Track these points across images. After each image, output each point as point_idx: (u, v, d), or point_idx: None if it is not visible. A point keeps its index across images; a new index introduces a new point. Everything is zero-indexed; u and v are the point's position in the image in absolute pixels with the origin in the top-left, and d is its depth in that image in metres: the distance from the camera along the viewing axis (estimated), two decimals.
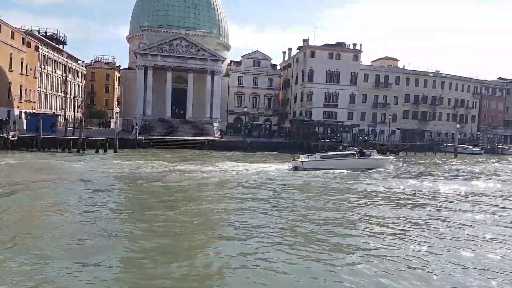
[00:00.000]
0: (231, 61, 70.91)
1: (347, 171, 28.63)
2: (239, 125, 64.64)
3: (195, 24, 63.93)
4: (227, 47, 72.27)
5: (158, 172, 25.74)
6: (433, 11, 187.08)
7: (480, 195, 21.19)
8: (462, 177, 29.75)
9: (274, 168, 30.27)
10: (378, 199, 18.97)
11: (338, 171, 28.47)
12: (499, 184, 26.19)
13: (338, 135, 57.80)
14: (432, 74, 72.08)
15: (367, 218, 14.74)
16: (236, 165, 31.36)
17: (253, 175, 25.60)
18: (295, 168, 29.40)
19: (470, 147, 63.12)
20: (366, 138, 59.92)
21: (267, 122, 67.38)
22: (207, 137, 52.32)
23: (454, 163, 43.70)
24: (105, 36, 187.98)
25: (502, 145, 67.92)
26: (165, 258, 10.05)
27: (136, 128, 47.68)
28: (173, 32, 59.52)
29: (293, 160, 30.69)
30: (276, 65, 72.36)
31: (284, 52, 75.37)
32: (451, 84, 73.33)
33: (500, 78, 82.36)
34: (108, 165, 28.15)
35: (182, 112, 60.71)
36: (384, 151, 39.28)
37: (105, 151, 38.48)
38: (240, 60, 68.17)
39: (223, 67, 63.92)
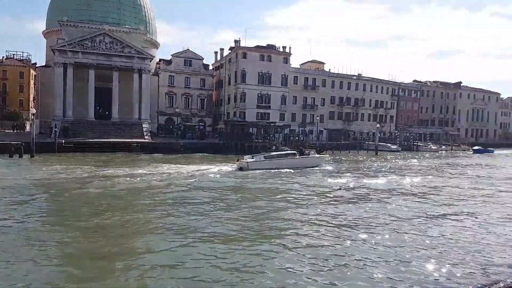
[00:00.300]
0: (160, 60, 68.34)
1: (289, 170, 29.51)
2: (171, 127, 62.50)
3: (120, 19, 60.43)
4: (155, 45, 69.63)
5: (81, 177, 23.62)
6: (353, 19, 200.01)
7: (397, 189, 22.46)
8: (381, 172, 31.72)
9: (217, 169, 29.82)
10: (307, 196, 19.30)
11: (282, 170, 29.21)
12: (417, 178, 28.22)
13: (271, 135, 58.76)
14: (355, 77, 76.55)
15: (295, 214, 14.92)
16: (171, 167, 30.11)
17: (194, 178, 24.66)
18: (240, 169, 29.64)
19: (389, 144, 68.11)
20: (297, 138, 61.76)
21: (200, 123, 66.05)
22: (136, 139, 49.73)
23: (375, 159, 46.69)
24: (18, 31, 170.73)
25: (417, 142, 74.37)
26: (91, 268, 9.09)
27: (56, 131, 43.65)
28: (95, 27, 55.64)
29: (237, 161, 30.99)
30: (208, 65, 71.45)
31: (216, 52, 74.70)
32: (372, 86, 78.57)
33: (415, 81, 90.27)
34: (24, 172, 25.25)
35: (107, 112, 57.08)
36: (321, 150, 41.12)
37: (20, 156, 34.72)
38: (170, 59, 65.99)
39: (151, 66, 61.36)
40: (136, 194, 18.99)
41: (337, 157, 48.34)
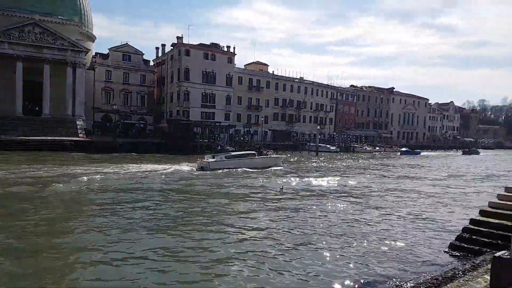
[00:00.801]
0: (96, 53, 65.03)
1: (248, 169, 30.30)
2: (108, 124, 59.59)
3: (52, 9, 56.35)
4: (91, 38, 66.25)
5: (5, 178, 21.74)
6: (294, 24, 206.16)
7: (333, 188, 23.10)
8: (322, 172, 32.84)
9: (172, 169, 29.33)
10: (251, 194, 19.39)
11: (239, 169, 29.97)
12: (352, 180, 29.40)
13: (216, 135, 58.44)
14: (297, 80, 78.91)
15: (237, 212, 14.94)
16: (114, 167, 28.74)
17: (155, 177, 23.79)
18: (201, 168, 29.75)
19: (328, 146, 71.10)
20: (242, 138, 62.11)
21: (141, 122, 63.85)
22: (70, 137, 46.82)
23: (316, 160, 48.39)
24: None
25: (353, 144, 78.46)
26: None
27: None
28: (25, 16, 51.64)
29: (198, 160, 31.25)
30: (149, 61, 69.43)
31: (157, 48, 72.73)
32: (313, 90, 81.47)
33: (352, 86, 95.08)
34: None
35: (37, 108, 53.21)
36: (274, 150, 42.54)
37: None
38: (108, 53, 63.11)
39: (87, 59, 58.29)
40: (66, 197, 17.78)
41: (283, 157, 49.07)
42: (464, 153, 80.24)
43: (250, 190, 20.45)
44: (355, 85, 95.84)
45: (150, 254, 9.50)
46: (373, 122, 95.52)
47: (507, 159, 63.14)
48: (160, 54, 71.28)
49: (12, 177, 22.00)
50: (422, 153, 73.31)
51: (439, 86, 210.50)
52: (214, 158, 31.90)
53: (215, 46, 67.28)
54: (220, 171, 29.02)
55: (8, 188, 18.36)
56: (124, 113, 61.90)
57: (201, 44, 65.72)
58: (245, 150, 40.43)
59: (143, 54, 66.03)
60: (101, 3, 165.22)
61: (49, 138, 44.85)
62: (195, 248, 10.07)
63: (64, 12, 57.78)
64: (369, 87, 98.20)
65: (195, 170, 29.57)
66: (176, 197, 17.90)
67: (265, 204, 16.76)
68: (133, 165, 30.92)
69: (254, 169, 31.14)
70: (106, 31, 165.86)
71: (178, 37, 63.73)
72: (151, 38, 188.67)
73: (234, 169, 30.08)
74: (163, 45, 70.28)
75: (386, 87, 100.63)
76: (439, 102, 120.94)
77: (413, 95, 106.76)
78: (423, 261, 9.63)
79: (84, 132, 51.01)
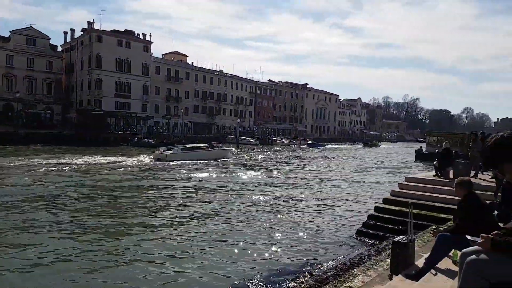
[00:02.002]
0: None
1: (202, 161, 32.19)
2: (10, 114, 53.49)
3: None
4: None
5: None
6: (215, 16, 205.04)
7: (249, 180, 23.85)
8: (244, 165, 33.97)
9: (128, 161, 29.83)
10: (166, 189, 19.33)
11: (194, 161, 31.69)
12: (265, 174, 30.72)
13: (132, 126, 56.03)
14: (217, 73, 79.04)
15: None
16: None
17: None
18: (158, 160, 31.58)
19: (248, 138, 72.57)
20: (160, 130, 60.46)
21: (47, 111, 58.41)
22: None
23: (237, 152, 49.39)
24: None
25: (271, 137, 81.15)
26: None
27: None
28: None
29: (155, 152, 33.22)
30: (57, 46, 63.65)
31: (66, 33, 66.86)
32: (233, 83, 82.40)
33: (269, 81, 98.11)
34: None
35: None
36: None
37: None
38: (9, 36, 56.39)
39: None
40: None
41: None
42: (365, 145, 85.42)
43: (173, 183, 20.42)
44: (272, 80, 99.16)
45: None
46: (289, 116, 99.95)
47: (400, 151, 70.31)
48: (69, 39, 65.64)
49: None
50: (327, 146, 76.90)
51: (348, 84, 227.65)
52: (171, 150, 33.55)
53: (129, 33, 64.17)
54: (174, 162, 30.34)
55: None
56: (28, 102, 56.06)
57: (114, 31, 62.17)
58: (166, 143, 42.36)
59: (50, 38, 60.53)
60: None
61: None
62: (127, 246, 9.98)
63: None
64: (286, 82, 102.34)
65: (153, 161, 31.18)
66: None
67: (183, 197, 16.90)
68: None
69: (207, 160, 33.09)
70: (6, 11, 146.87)
71: (89, 22, 59.70)
72: (59, 22, 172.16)
73: (188, 161, 31.41)
74: (73, 30, 64.86)
75: (301, 83, 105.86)
76: (348, 99, 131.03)
77: (325, 91, 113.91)
78: (332, 247, 10.18)
79: None
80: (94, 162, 28.55)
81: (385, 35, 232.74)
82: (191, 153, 33.94)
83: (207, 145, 37.69)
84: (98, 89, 58.75)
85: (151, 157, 32.57)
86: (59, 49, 64.76)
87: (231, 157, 37.93)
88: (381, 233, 10.48)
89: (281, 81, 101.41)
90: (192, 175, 24.20)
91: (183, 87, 71.22)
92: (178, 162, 30.62)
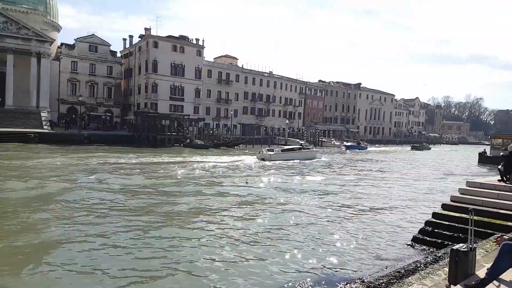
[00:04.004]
0: (62, 44, 62.63)
1: (297, 161, 35.80)
2: (74, 116, 57.85)
3: None
4: (56, 28, 63.72)
5: None
6: (262, 19, 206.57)
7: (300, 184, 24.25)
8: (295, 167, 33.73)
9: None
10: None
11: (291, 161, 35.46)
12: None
13: (184, 128, 58.05)
14: (266, 74, 79.46)
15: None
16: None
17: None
18: (262, 159, 35.20)
19: (297, 140, 71.95)
20: (211, 132, 61.97)
21: (107, 114, 62.35)
22: (34, 129, 45.23)
23: None
24: None
25: (321, 138, 79.76)
26: None
27: None
28: None
29: (259, 153, 37.88)
30: (116, 52, 67.62)
31: (125, 40, 70.87)
32: (282, 84, 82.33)
33: (320, 81, 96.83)
34: None
35: (0, 99, 50.90)
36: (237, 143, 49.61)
37: None
38: (74, 44, 60.93)
39: (52, 50, 56.05)
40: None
41: (248, 151, 49.26)
42: (413, 148, 79.77)
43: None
44: (323, 80, 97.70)
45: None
46: (341, 117, 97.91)
47: (462, 154, 65.55)
48: (127, 46, 69.53)
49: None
50: (368, 148, 71.52)
51: (404, 83, 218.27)
52: (273, 151, 37.50)
53: (184, 38, 66.46)
54: (278, 162, 34.07)
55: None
56: (90, 105, 60.28)
57: (169, 36, 64.74)
58: (216, 144, 48.34)
59: (110, 45, 64.34)
60: None
61: (12, 130, 43.20)
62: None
63: (29, 1, 55.28)
64: (337, 82, 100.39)
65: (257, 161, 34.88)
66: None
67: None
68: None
69: (302, 160, 36.64)
70: (73, 21, 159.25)
71: (146, 29, 62.64)
72: (118, 30, 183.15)
73: (286, 161, 35.13)
74: (131, 37, 68.64)
75: (353, 83, 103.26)
76: (405, 98, 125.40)
77: (379, 90, 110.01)
78: (387, 254, 9.88)
79: (48, 123, 49.40)
80: (214, 162, 31.76)
81: (444, 31, 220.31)
82: (288, 154, 37.98)
83: (301, 146, 42.75)
84: (154, 93, 61.57)
85: (255, 157, 36.96)
86: (119, 55, 68.72)
87: (320, 158, 41.03)
88: (439, 240, 10.04)
89: (332, 81, 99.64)
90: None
91: (233, 89, 72.49)
92: (278, 162, 34.18)
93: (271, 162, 34.11)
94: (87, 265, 8.54)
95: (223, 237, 10.81)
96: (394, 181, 25.79)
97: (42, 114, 50.59)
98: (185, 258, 9.07)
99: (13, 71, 50.00)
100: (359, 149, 66.10)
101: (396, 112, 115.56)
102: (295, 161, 35.96)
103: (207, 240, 10.54)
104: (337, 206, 16.06)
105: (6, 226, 11.13)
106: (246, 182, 21.75)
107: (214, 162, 32.15)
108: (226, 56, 79.05)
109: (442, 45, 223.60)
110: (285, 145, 59.88)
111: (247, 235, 11.13)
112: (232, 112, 68.69)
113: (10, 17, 49.55)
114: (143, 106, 61.69)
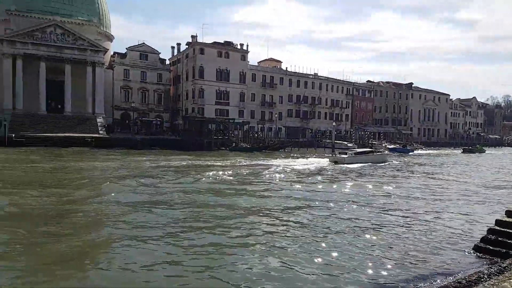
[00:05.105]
0: (114, 53, 66.05)
1: (368, 164, 35.91)
2: (127, 121, 60.75)
3: (71, 11, 57.66)
4: (109, 38, 67.36)
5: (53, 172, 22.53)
6: (309, 20, 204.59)
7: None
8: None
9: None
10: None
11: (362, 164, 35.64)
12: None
13: (230, 132, 58.71)
14: (311, 76, 78.33)
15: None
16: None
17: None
18: (335, 163, 35.78)
19: (345, 142, 69.52)
20: (256, 135, 62.14)
21: (158, 119, 64.79)
22: (90, 134, 48.06)
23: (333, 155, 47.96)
24: None
25: (371, 141, 76.55)
26: None
27: (5, 124, 41.35)
28: (45, 18, 52.91)
29: (331, 156, 38.58)
30: (165, 59, 70.07)
31: (173, 47, 73.30)
32: (328, 86, 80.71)
33: (368, 81, 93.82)
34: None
35: (59, 106, 54.68)
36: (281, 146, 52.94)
37: None
38: (125, 52, 64.03)
39: (106, 59, 59.39)
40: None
41: (294, 154, 48.81)
42: (464, 151, 73.29)
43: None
44: (371, 80, 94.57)
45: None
46: (392, 119, 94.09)
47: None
48: (175, 53, 71.85)
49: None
50: (415, 151, 66.93)
51: (458, 82, 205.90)
52: (346, 154, 37.81)
53: (228, 44, 67.41)
54: (352, 165, 34.35)
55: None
56: (142, 111, 62.93)
57: (215, 43, 65.99)
58: (261, 147, 49.65)
59: (160, 53, 66.78)
60: (118, 4, 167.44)
61: (71, 135, 46.21)
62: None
63: (83, 13, 58.95)
64: (387, 82, 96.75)
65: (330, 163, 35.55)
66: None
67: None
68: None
69: (374, 163, 36.75)
70: (124, 31, 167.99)
71: (192, 36, 64.24)
72: (167, 38, 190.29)
73: (358, 164, 35.32)
74: (179, 44, 70.82)
75: (404, 83, 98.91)
76: (461, 98, 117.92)
77: (433, 90, 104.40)
78: (447, 263, 9.44)
79: (104, 129, 52.28)
80: (291, 165, 32.91)
81: (502, 28, 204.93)
82: (361, 157, 37.91)
83: (372, 150, 43.33)
84: (201, 98, 63.00)
85: (327, 159, 37.65)
86: (167, 62, 71.15)
87: (391, 161, 40.69)
88: (504, 250, 9.16)
89: (382, 81, 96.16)
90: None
91: (277, 93, 72.29)
92: (350, 165, 34.28)
93: (344, 165, 34.37)
94: (143, 265, 8.74)
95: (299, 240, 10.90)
96: (447, 186, 24.06)
97: (98, 120, 53.62)
98: (244, 263, 9.16)
99: (70, 80, 53.42)
100: (402, 152, 61.86)
101: (451, 112, 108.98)
102: (366, 164, 35.82)
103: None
104: (390, 210, 15.54)
105: (66, 226, 11.68)
106: (291, 185, 21.38)
107: (285, 165, 32.20)
108: (270, 59, 79.10)
109: (499, 42, 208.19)
110: (333, 148, 58.64)
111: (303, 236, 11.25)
112: (276, 115, 68.47)
113: (68, 29, 53.15)
114: (190, 111, 63.32)
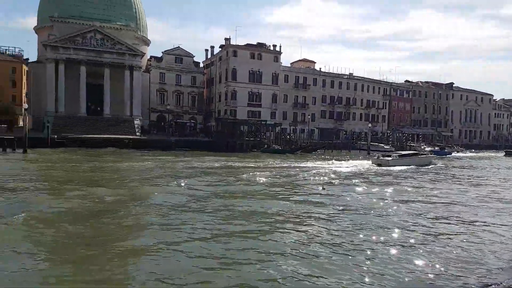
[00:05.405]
0: (151, 57, 68.52)
1: (413, 167, 35.16)
2: (162, 123, 62.81)
3: (110, 16, 60.50)
4: (146, 42, 69.91)
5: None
6: (344, 20, 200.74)
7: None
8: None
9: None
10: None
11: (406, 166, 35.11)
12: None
13: (262, 133, 58.92)
14: (346, 77, 76.82)
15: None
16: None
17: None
18: (379, 165, 35.43)
19: (382, 144, 66.86)
20: (288, 136, 61.92)
21: (191, 121, 66.42)
22: (128, 135, 50.05)
23: (368, 157, 46.73)
24: (9, 26, 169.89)
25: (410, 142, 73.27)
26: None
27: (48, 126, 44.11)
28: (86, 24, 55.88)
29: (374, 158, 38.23)
30: (199, 62, 71.66)
31: (206, 50, 74.87)
32: (363, 86, 78.82)
33: (406, 81, 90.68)
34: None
35: (99, 109, 57.47)
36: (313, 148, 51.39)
37: (13, 149, 35.63)
38: (161, 56, 66.25)
39: (142, 62, 61.68)
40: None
41: (328, 156, 47.88)
42: (507, 154, 67.21)
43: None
44: (409, 80, 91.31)
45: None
46: (431, 120, 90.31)
47: None
48: (209, 56, 73.33)
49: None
50: (452, 154, 64.02)
51: (502, 82, 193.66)
52: (390, 157, 37.43)
53: (261, 45, 67.84)
54: (396, 168, 33.80)
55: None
56: (176, 113, 64.74)
57: (248, 44, 66.65)
58: (293, 149, 50.70)
59: (194, 56, 68.42)
60: (154, 8, 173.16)
61: (110, 136, 48.31)
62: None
63: (121, 18, 61.61)
64: (426, 82, 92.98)
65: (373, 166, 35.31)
66: None
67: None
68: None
69: (416, 166, 35.95)
70: (159, 34, 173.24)
71: (226, 39, 65.25)
72: (201, 40, 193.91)
73: (406, 166, 34.88)
74: (212, 47, 72.27)
75: (444, 83, 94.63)
76: (505, 98, 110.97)
77: (475, 90, 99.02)
78: (492, 273, 9.01)
79: (140, 130, 54.30)
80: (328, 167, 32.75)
81: None
82: (406, 159, 37.37)
83: (417, 152, 42.83)
84: (233, 100, 63.86)
85: (370, 162, 37.41)
86: (201, 65, 72.75)
87: (436, 164, 39.82)
88: None
89: (420, 81, 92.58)
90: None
91: (310, 93, 71.69)
92: (394, 167, 33.77)
93: (388, 167, 33.91)
94: (177, 268, 8.82)
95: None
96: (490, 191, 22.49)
97: (135, 121, 55.83)
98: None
99: (109, 83, 56.00)
100: (439, 155, 58.45)
101: (495, 113, 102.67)
102: (411, 167, 35.12)
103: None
104: (426, 218, 14.72)
105: (104, 228, 12.04)
106: (323, 188, 20.59)
107: (326, 167, 32.04)
108: (304, 60, 78.61)
109: None
110: (368, 150, 57.16)
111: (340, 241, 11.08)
112: (309, 117, 67.90)
113: (107, 34, 55.81)
114: (223, 113, 64.33)
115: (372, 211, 15.18)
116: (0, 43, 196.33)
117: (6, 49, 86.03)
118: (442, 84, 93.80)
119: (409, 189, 21.70)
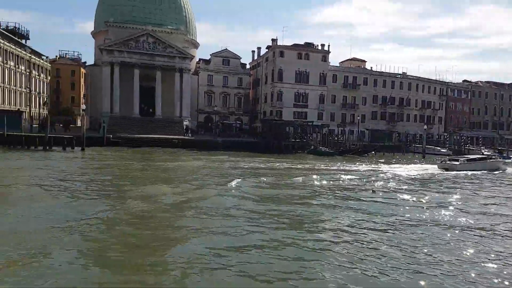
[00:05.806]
0: (199, 59, 69.93)
1: (482, 172, 33.85)
2: (209, 124, 63.76)
3: (161, 20, 62.42)
4: (195, 45, 71.34)
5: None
6: (399, 17, 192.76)
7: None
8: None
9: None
10: None
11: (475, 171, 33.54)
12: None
13: (308, 135, 57.75)
14: (399, 76, 73.50)
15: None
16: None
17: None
18: (445, 169, 34.50)
19: (438, 148, 63.09)
20: (335, 138, 60.13)
21: (237, 122, 66.80)
22: (178, 136, 51.21)
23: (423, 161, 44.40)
24: (69, 31, 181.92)
25: (468, 146, 68.31)
26: None
27: (104, 126, 46.20)
28: (139, 28, 58.03)
29: (441, 162, 37.08)
30: (246, 64, 71.94)
31: (253, 51, 75.18)
32: (418, 86, 75.00)
33: (465, 81, 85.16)
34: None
35: (151, 110, 59.44)
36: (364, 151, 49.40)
37: (72, 148, 37.47)
38: (209, 58, 67.31)
39: (191, 65, 62.97)
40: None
41: (381, 160, 45.78)
42: None
43: None
44: (468, 80, 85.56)
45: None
46: (492, 122, 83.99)
47: None
48: (256, 57, 73.45)
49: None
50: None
51: None
52: (458, 161, 35.98)
53: (309, 45, 66.66)
54: (464, 172, 32.63)
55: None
56: (223, 114, 65.49)
57: (294, 45, 65.82)
58: (342, 151, 49.60)
59: (240, 58, 68.89)
60: (203, 11, 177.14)
61: (161, 136, 49.79)
62: None
63: (172, 22, 63.38)
64: (487, 82, 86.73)
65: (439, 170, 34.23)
66: None
67: None
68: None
69: (485, 171, 34.64)
70: (207, 36, 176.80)
71: (273, 40, 64.88)
72: (248, 42, 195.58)
73: (470, 171, 33.26)
74: (259, 48, 72.49)
75: (507, 82, 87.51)
76: None
77: None
78: None
79: (189, 131, 55.46)
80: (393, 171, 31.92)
81: None
82: (474, 164, 36.01)
83: (485, 156, 41.31)
84: (279, 101, 63.33)
85: (435, 166, 36.35)
86: (248, 66, 73.02)
87: (505, 168, 37.89)
88: None
89: (480, 81, 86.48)
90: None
91: (360, 94, 69.32)
92: (463, 172, 32.64)
93: (455, 172, 32.83)
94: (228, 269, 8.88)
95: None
96: None
97: (184, 122, 57.10)
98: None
99: (161, 86, 57.69)
100: (505, 159, 53.81)
101: None
102: (480, 172, 33.61)
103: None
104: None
105: (153, 231, 12.06)
106: (373, 191, 20.16)
107: (390, 171, 31.07)
108: (353, 59, 76.40)
109: None
110: (424, 153, 54.12)
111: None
112: (359, 118, 65.60)
113: (158, 38, 57.55)
114: (269, 114, 63.97)
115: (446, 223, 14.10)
116: (62, 47, 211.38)
117: (66, 53, 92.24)
118: (505, 84, 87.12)
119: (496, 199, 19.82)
